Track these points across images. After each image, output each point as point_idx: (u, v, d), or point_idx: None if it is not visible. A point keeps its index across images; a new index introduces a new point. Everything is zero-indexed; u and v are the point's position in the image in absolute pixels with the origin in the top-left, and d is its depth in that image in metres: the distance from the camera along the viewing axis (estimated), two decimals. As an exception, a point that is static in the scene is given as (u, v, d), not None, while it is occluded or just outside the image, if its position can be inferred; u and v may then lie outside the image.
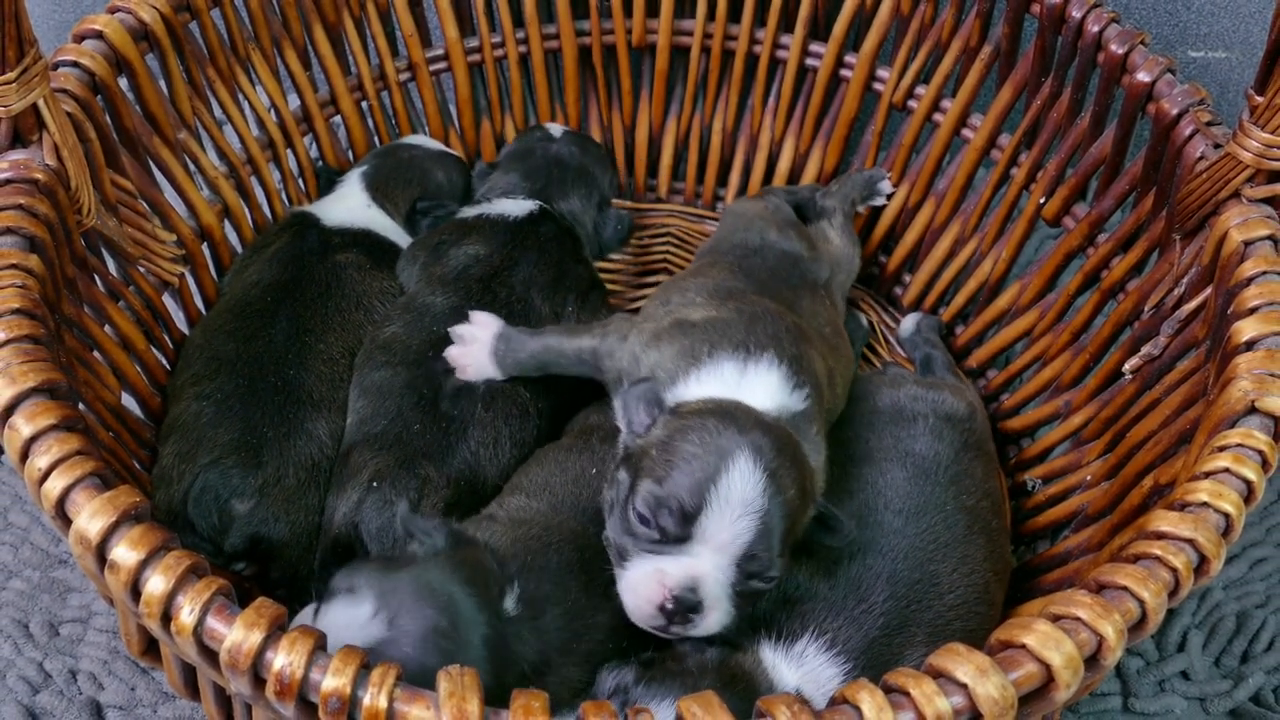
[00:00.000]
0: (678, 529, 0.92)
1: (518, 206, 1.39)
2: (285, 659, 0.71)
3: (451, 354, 1.19)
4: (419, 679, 0.73)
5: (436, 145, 1.52)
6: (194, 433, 1.13)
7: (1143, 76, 1.20)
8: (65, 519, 0.78)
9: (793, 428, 1.02)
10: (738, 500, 0.91)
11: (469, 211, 1.41)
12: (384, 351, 1.24)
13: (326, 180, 1.47)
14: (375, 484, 1.12)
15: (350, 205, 1.39)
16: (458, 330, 1.20)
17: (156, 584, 0.74)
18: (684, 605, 0.92)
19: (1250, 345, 0.96)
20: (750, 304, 1.15)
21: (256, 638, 0.71)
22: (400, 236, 1.40)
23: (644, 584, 0.93)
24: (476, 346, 1.19)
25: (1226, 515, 0.83)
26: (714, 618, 0.93)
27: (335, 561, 1.11)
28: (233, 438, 1.12)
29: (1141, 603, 0.78)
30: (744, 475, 0.92)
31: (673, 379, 1.05)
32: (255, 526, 1.11)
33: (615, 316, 1.19)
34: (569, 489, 1.11)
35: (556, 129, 1.52)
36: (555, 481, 1.13)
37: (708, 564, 0.92)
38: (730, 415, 0.97)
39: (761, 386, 1.04)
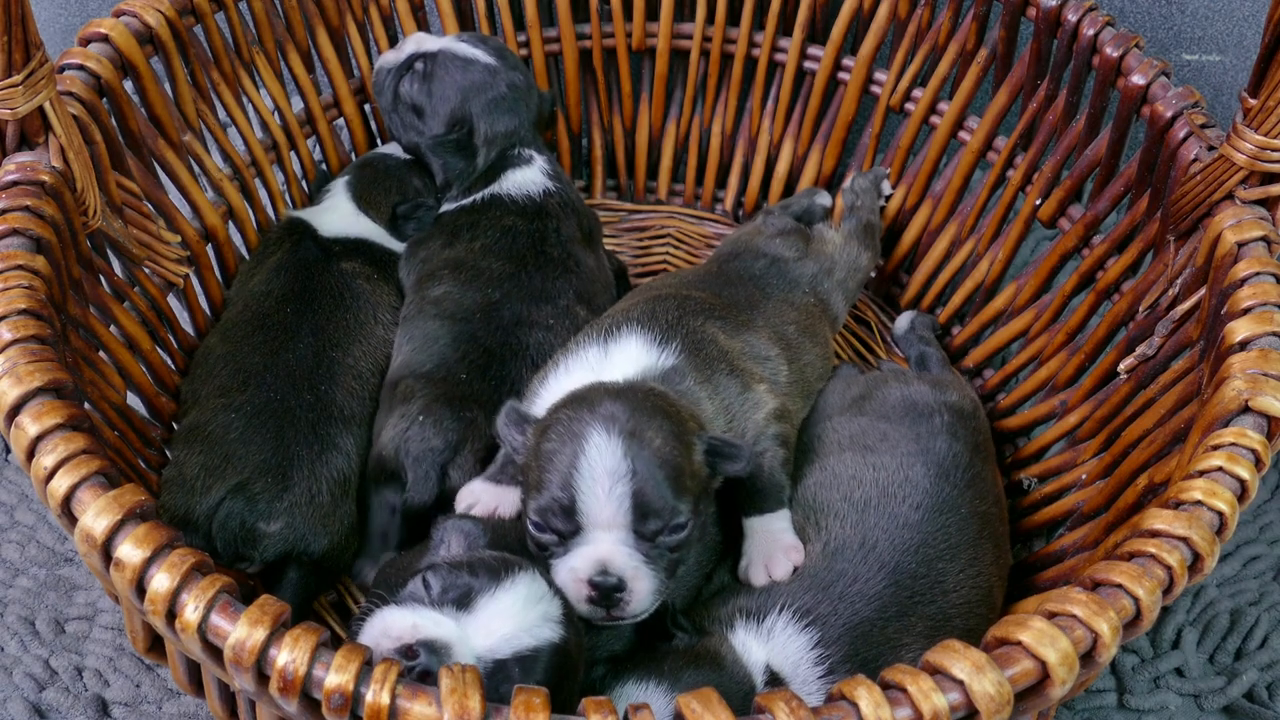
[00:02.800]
0: (566, 525, 0.96)
1: (530, 179, 1.39)
2: (289, 656, 0.72)
3: (478, 515, 1.12)
4: None
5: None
6: (222, 447, 1.13)
7: (1137, 79, 1.21)
8: (71, 517, 0.79)
9: (664, 382, 1.05)
10: (603, 474, 0.94)
11: (473, 196, 1.40)
12: (435, 306, 1.27)
13: (315, 187, 1.47)
14: (422, 417, 1.17)
15: (341, 214, 1.40)
16: (460, 505, 1.14)
17: (161, 581, 0.74)
18: (606, 588, 0.95)
19: (1244, 345, 0.96)
20: (659, 296, 1.20)
21: (260, 635, 0.72)
22: (394, 244, 1.41)
23: (564, 585, 0.96)
24: (478, 487, 1.13)
25: (1220, 513, 0.84)
26: (642, 587, 0.96)
27: (380, 478, 1.19)
28: (263, 458, 1.13)
29: (1136, 600, 0.79)
30: (599, 448, 0.94)
31: (544, 378, 1.10)
32: (291, 543, 1.13)
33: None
34: None
35: (460, 48, 1.41)
36: None
37: (606, 544, 0.95)
38: (580, 399, 1.00)
39: (621, 356, 1.08)
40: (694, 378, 1.08)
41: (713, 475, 1.02)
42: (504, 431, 1.04)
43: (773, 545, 1.06)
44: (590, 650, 0.98)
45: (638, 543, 0.95)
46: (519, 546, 1.03)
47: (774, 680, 0.96)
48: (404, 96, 1.41)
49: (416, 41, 1.44)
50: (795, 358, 1.22)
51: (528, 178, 1.40)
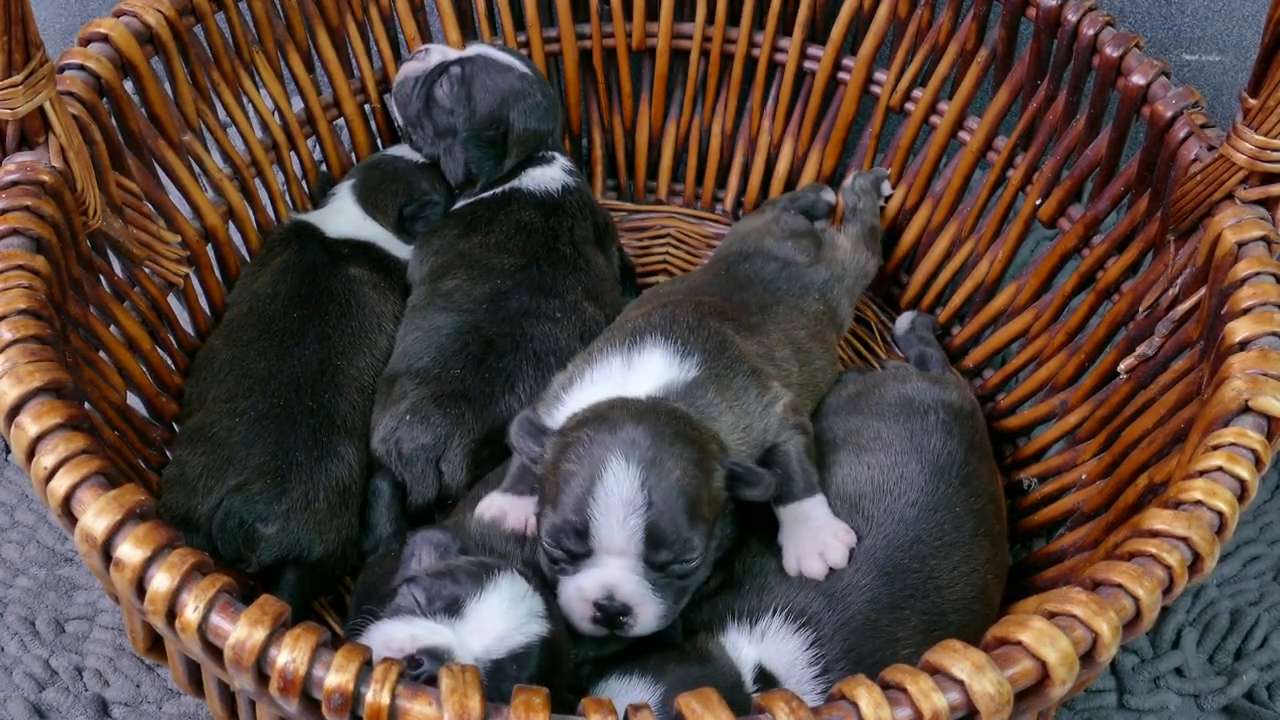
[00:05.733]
0: (578, 547, 0.97)
1: (551, 176, 1.42)
2: (289, 656, 0.72)
3: (508, 528, 1.09)
4: None
5: (418, 155, 1.52)
6: (225, 449, 1.14)
7: (1138, 79, 1.21)
8: (71, 517, 0.79)
9: (685, 398, 1.05)
10: (618, 504, 0.94)
11: (493, 190, 1.41)
12: (445, 299, 1.28)
13: (320, 190, 1.47)
14: (409, 416, 1.19)
15: (348, 217, 1.40)
16: (485, 517, 1.09)
17: (161, 581, 0.74)
18: (611, 612, 0.96)
19: (1244, 345, 0.96)
20: (676, 300, 1.19)
21: (260, 635, 0.72)
22: (400, 249, 1.41)
23: (571, 604, 0.98)
24: (500, 501, 1.10)
25: (1220, 513, 0.84)
26: (647, 613, 0.97)
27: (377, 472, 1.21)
28: (263, 461, 1.14)
29: (1136, 600, 0.79)
30: (618, 477, 0.95)
31: (568, 385, 1.10)
32: (287, 548, 1.13)
33: None
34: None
35: (496, 55, 1.45)
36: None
37: (615, 570, 0.96)
38: (602, 418, 0.99)
39: (645, 369, 1.08)
40: (715, 388, 1.07)
41: (730, 499, 1.02)
42: (519, 442, 1.04)
43: (819, 533, 1.04)
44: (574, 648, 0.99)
45: (647, 571, 0.96)
46: (485, 549, 1.04)
47: (765, 678, 0.96)
48: (440, 99, 1.43)
49: (441, 52, 1.46)
50: (806, 362, 1.23)
51: (549, 174, 1.42)
